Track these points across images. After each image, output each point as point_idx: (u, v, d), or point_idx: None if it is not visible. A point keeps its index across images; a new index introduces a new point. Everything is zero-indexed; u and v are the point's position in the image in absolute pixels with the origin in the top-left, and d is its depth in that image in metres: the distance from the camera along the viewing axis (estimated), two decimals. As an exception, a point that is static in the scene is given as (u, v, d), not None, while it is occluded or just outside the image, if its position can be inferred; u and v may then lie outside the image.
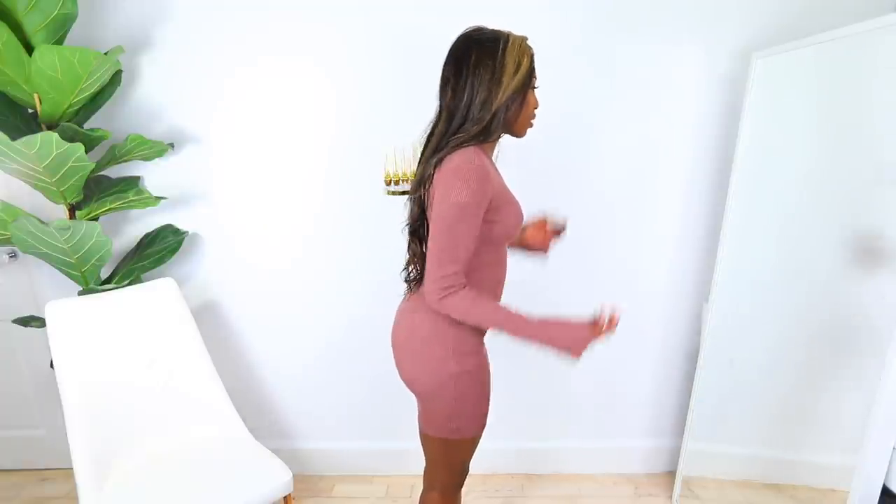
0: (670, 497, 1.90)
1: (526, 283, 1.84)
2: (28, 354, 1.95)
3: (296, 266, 1.83)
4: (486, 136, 1.04)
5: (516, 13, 1.60)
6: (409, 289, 1.22)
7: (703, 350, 1.72)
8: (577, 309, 1.85)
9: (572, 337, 1.06)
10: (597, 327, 1.05)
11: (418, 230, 1.14)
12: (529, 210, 1.74)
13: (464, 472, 1.27)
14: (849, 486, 1.19)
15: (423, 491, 1.30)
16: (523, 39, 1.05)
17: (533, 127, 1.13)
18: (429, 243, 1.04)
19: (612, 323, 1.05)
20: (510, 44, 1.02)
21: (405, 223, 1.18)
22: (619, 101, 1.67)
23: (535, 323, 1.06)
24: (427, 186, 1.06)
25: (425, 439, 1.21)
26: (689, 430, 1.80)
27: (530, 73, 1.05)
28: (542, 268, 1.82)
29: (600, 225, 1.78)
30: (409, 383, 1.18)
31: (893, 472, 1.16)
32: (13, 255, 1.83)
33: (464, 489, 1.36)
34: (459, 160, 1.00)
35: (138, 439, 1.47)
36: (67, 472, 2.02)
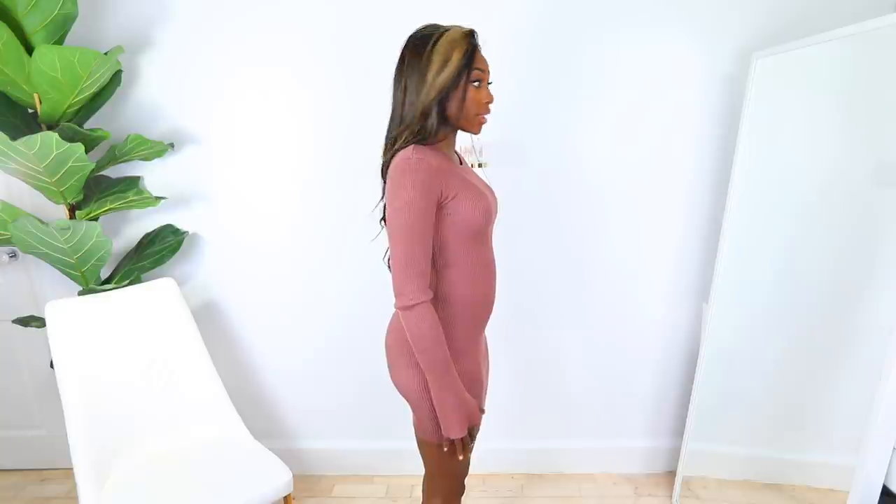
0: (670, 497, 1.90)
1: (526, 283, 1.84)
2: (28, 354, 1.95)
3: (295, 266, 1.83)
4: (423, 136, 1.01)
5: (512, 14, 1.61)
6: None
7: (703, 350, 1.72)
8: (577, 309, 1.86)
9: (456, 420, 1.02)
10: (461, 441, 1.04)
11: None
12: (527, 209, 1.76)
13: (462, 476, 1.25)
14: (849, 486, 1.19)
15: (425, 499, 1.27)
16: (462, 34, 1.00)
17: (486, 122, 1.07)
18: (390, 248, 1.02)
19: (460, 452, 1.04)
20: (441, 39, 0.98)
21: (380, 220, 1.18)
22: (619, 101, 1.67)
23: (449, 386, 1.02)
24: (383, 195, 1.06)
25: (420, 445, 1.19)
26: (689, 430, 1.79)
27: (463, 69, 0.99)
28: (543, 268, 1.82)
29: (600, 225, 1.78)
30: (397, 387, 1.17)
31: (893, 472, 1.16)
32: (13, 255, 1.82)
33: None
34: (398, 160, 0.99)
35: (138, 439, 1.47)
36: (67, 472, 2.02)
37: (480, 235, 1.08)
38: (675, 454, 1.96)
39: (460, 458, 1.05)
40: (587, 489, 1.96)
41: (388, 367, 1.19)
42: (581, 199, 1.76)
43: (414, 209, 0.96)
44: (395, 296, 1.00)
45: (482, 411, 1.15)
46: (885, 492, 1.17)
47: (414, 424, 1.18)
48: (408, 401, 1.15)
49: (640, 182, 1.74)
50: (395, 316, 1.19)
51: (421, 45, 1.00)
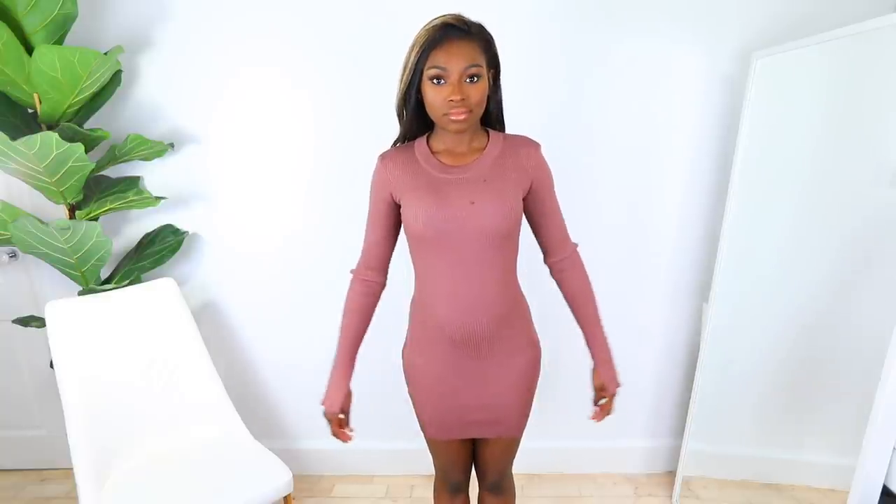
0: (670, 497, 1.90)
1: (525, 283, 1.84)
2: (28, 354, 1.95)
3: (295, 266, 1.83)
4: (405, 136, 1.09)
5: (512, 13, 1.60)
6: None
7: (703, 350, 1.72)
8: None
9: (329, 394, 1.17)
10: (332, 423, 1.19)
11: None
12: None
13: (441, 469, 1.30)
14: (849, 486, 1.19)
15: None
16: (425, 30, 0.96)
17: (455, 119, 0.97)
18: None
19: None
20: (414, 40, 0.97)
21: None
22: (619, 101, 1.67)
23: (335, 363, 1.19)
24: None
25: None
26: (689, 430, 1.79)
27: (414, 68, 0.96)
28: (542, 267, 1.82)
29: (600, 225, 1.77)
30: None
31: (893, 472, 1.16)
32: (13, 255, 1.82)
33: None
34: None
35: (138, 439, 1.47)
36: (67, 472, 2.02)
37: (428, 244, 1.05)
38: (675, 454, 1.96)
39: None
40: (587, 489, 1.96)
41: None
42: (581, 198, 1.76)
43: (370, 201, 1.12)
44: None
45: (333, 415, 1.18)
46: (885, 492, 1.17)
47: None
48: None
49: (639, 182, 1.74)
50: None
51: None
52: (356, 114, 1.68)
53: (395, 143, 1.12)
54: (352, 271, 1.19)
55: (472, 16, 1.05)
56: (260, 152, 1.73)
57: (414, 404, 1.22)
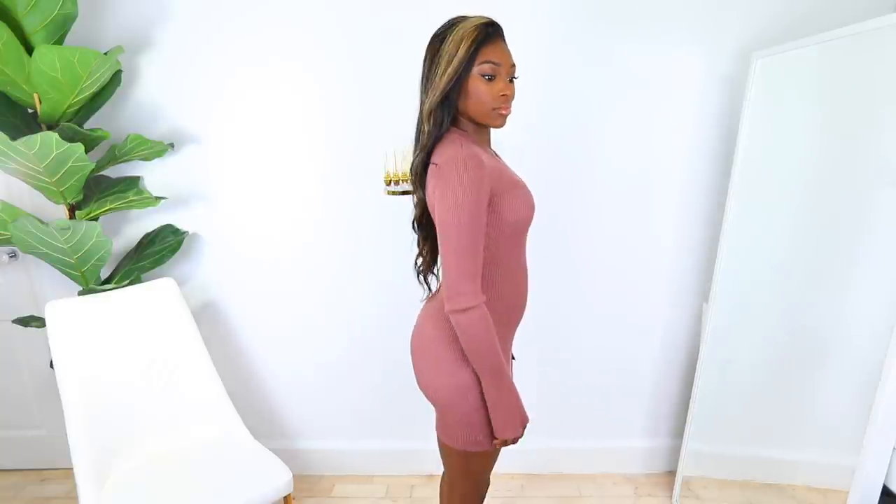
0: (670, 497, 1.90)
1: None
2: (28, 354, 1.95)
3: (295, 266, 1.83)
4: (439, 133, 1.00)
5: (511, 13, 1.60)
6: (427, 289, 1.18)
7: (702, 350, 1.72)
8: (577, 309, 1.86)
9: (515, 419, 1.03)
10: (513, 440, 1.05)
11: (421, 223, 1.14)
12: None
13: (486, 482, 1.22)
14: (849, 486, 1.19)
15: (442, 501, 1.25)
16: (474, 25, 0.96)
17: (504, 114, 1.01)
18: (441, 249, 0.97)
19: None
20: (454, 33, 0.96)
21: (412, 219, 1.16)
22: (619, 101, 1.67)
23: (507, 387, 1.01)
24: (420, 187, 1.06)
25: (444, 449, 1.15)
26: (689, 430, 1.79)
27: (466, 62, 0.96)
28: (542, 268, 1.82)
29: (600, 225, 1.78)
30: (426, 391, 1.11)
31: (893, 472, 1.16)
32: (13, 255, 1.83)
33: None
34: (447, 156, 0.96)
35: (138, 439, 1.47)
36: (67, 472, 2.02)
37: (522, 234, 1.07)
38: (675, 454, 1.96)
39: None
40: (587, 489, 1.96)
41: (416, 371, 1.13)
42: (580, 198, 1.76)
43: (467, 207, 0.91)
44: (448, 298, 0.95)
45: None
46: (885, 492, 1.17)
47: (438, 429, 1.13)
48: (437, 405, 1.10)
49: (640, 182, 1.74)
50: (423, 317, 1.14)
51: (437, 42, 0.99)
52: (356, 113, 1.68)
53: (429, 142, 1.01)
54: (469, 307, 0.94)
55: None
56: (260, 152, 1.73)
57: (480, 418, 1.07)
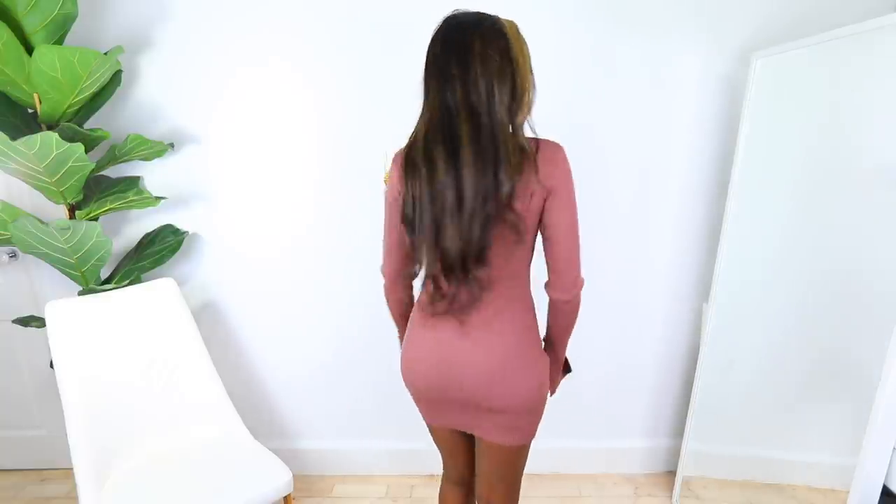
0: (670, 497, 1.90)
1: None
2: (28, 354, 1.95)
3: (295, 266, 1.83)
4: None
5: (513, 11, 1.60)
6: (440, 296, 1.02)
7: (703, 350, 1.72)
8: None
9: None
10: None
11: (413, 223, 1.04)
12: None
13: None
14: (849, 486, 1.19)
15: None
16: (507, 20, 0.99)
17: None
18: (564, 244, 1.02)
19: None
20: (507, 28, 0.96)
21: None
22: (619, 100, 1.67)
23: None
24: (512, 190, 0.92)
25: (513, 453, 1.10)
26: (689, 430, 1.80)
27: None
28: (542, 268, 1.82)
29: (600, 225, 1.78)
30: (505, 402, 1.03)
31: (893, 472, 1.16)
32: (13, 255, 1.82)
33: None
34: (558, 149, 0.98)
35: (138, 439, 1.47)
36: (67, 472, 2.02)
37: None
38: (675, 454, 1.96)
39: None
40: (587, 489, 1.96)
41: (490, 387, 1.02)
42: (580, 199, 1.75)
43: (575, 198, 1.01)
44: (573, 285, 1.03)
45: None
46: (885, 492, 1.17)
47: (495, 436, 1.08)
48: (522, 411, 1.05)
49: (639, 182, 1.74)
50: (491, 333, 1.01)
51: (500, 37, 0.92)
52: (356, 114, 1.68)
53: (530, 145, 0.95)
54: (580, 286, 1.06)
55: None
56: (260, 152, 1.73)
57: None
